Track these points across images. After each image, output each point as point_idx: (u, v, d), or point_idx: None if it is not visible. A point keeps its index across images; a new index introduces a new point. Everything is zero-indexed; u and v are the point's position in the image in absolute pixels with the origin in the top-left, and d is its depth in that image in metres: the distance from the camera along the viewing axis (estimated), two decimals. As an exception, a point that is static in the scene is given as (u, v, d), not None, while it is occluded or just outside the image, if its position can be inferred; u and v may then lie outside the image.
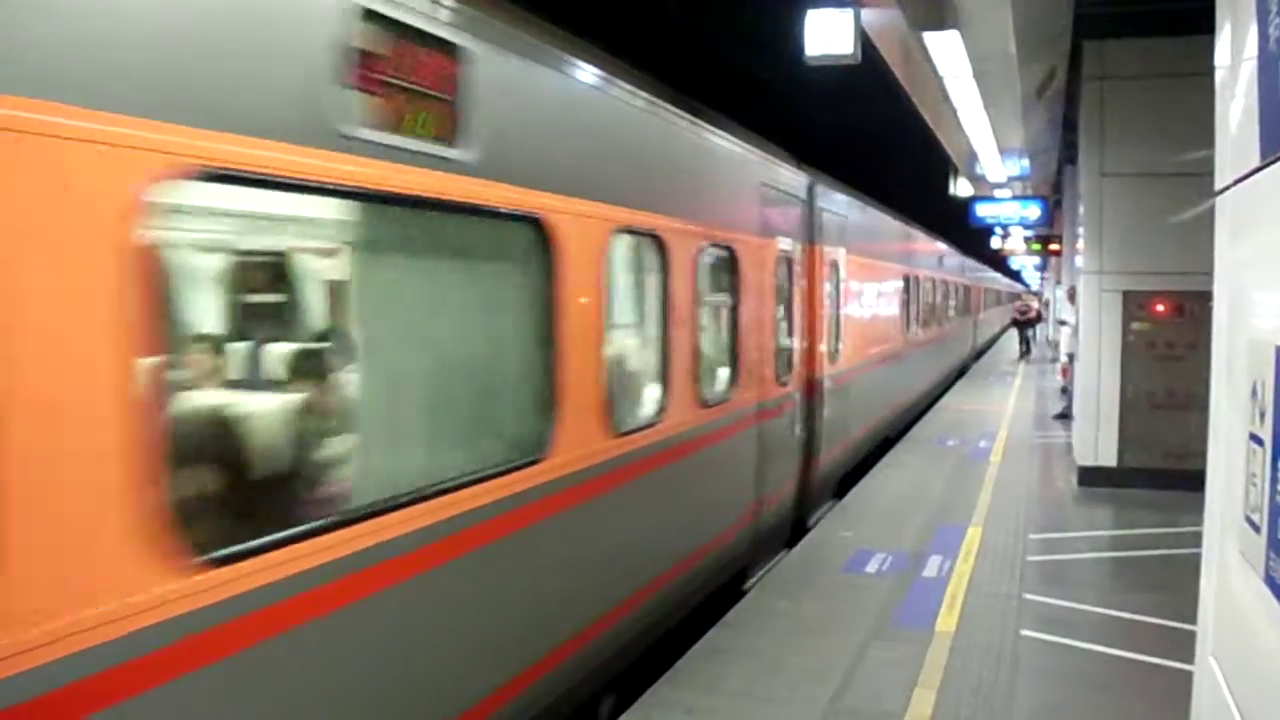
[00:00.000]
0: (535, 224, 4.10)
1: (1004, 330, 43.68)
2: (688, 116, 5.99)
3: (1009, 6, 7.41)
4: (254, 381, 4.62)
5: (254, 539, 2.76)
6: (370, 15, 3.12)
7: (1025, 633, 6.06)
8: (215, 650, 2.60)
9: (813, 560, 7.67)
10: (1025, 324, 30.56)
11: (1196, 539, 2.91)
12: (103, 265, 2.30)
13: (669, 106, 5.70)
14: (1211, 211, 2.79)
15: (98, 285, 2.29)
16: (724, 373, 6.68)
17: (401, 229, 3.72)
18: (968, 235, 24.88)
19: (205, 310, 4.79)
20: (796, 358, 8.34)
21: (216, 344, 4.45)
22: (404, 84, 3.29)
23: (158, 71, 2.45)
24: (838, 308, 9.69)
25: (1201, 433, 2.84)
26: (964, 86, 10.07)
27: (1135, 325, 10.13)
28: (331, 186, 3.07)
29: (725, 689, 5.23)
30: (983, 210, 19.58)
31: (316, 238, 4.86)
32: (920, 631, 6.06)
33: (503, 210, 3.91)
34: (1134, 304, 10.12)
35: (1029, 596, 6.75)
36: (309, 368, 4.21)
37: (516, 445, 4.17)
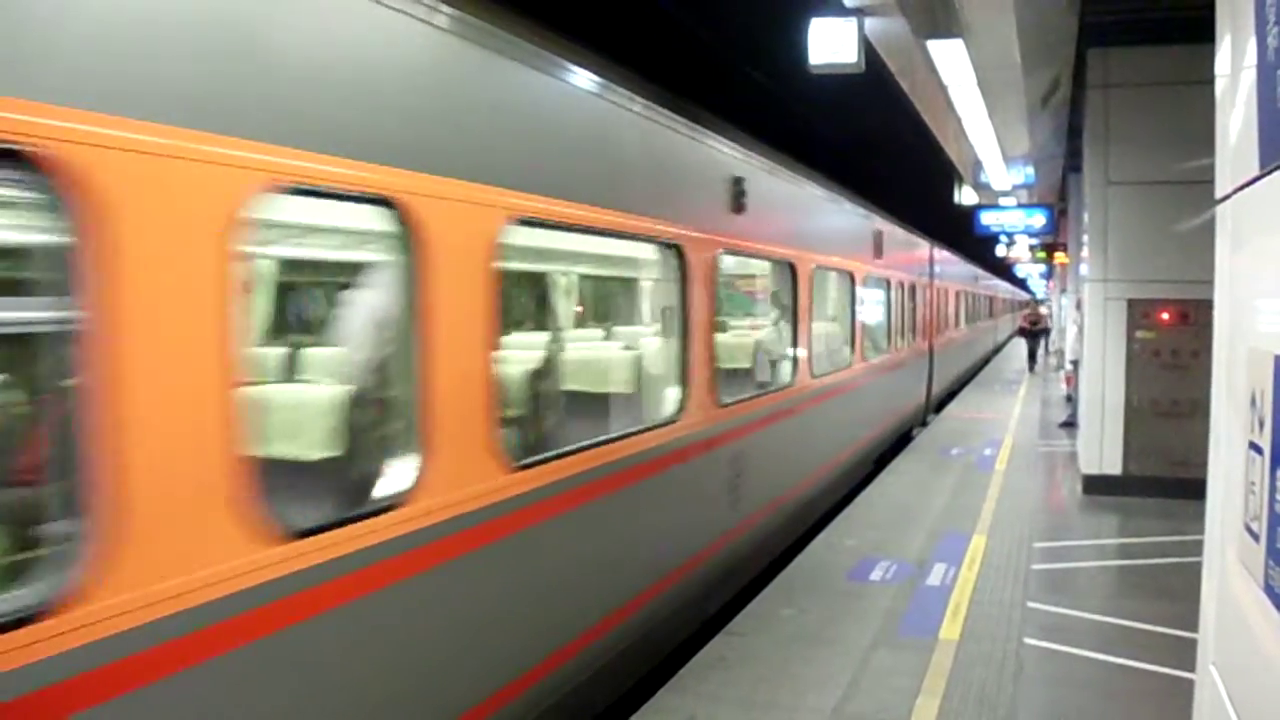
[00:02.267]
0: None
1: (997, 351, 36.00)
2: None
3: (1013, 15, 7.42)
4: None
5: None
6: None
7: (1029, 641, 6.04)
8: None
9: (816, 568, 7.66)
10: (1034, 334, 28.28)
11: (1201, 547, 2.91)
12: None
13: None
14: (1215, 219, 2.79)
15: None
16: None
17: None
18: (973, 243, 24.80)
19: None
20: None
21: None
22: None
23: None
24: None
25: (1206, 441, 2.85)
26: (968, 95, 10.08)
27: (1140, 333, 10.12)
28: None
29: (728, 696, 5.23)
30: (988, 219, 19.58)
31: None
32: (924, 639, 6.05)
33: None
34: (1139, 312, 10.11)
35: (1033, 605, 6.73)
36: None
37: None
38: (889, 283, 13.01)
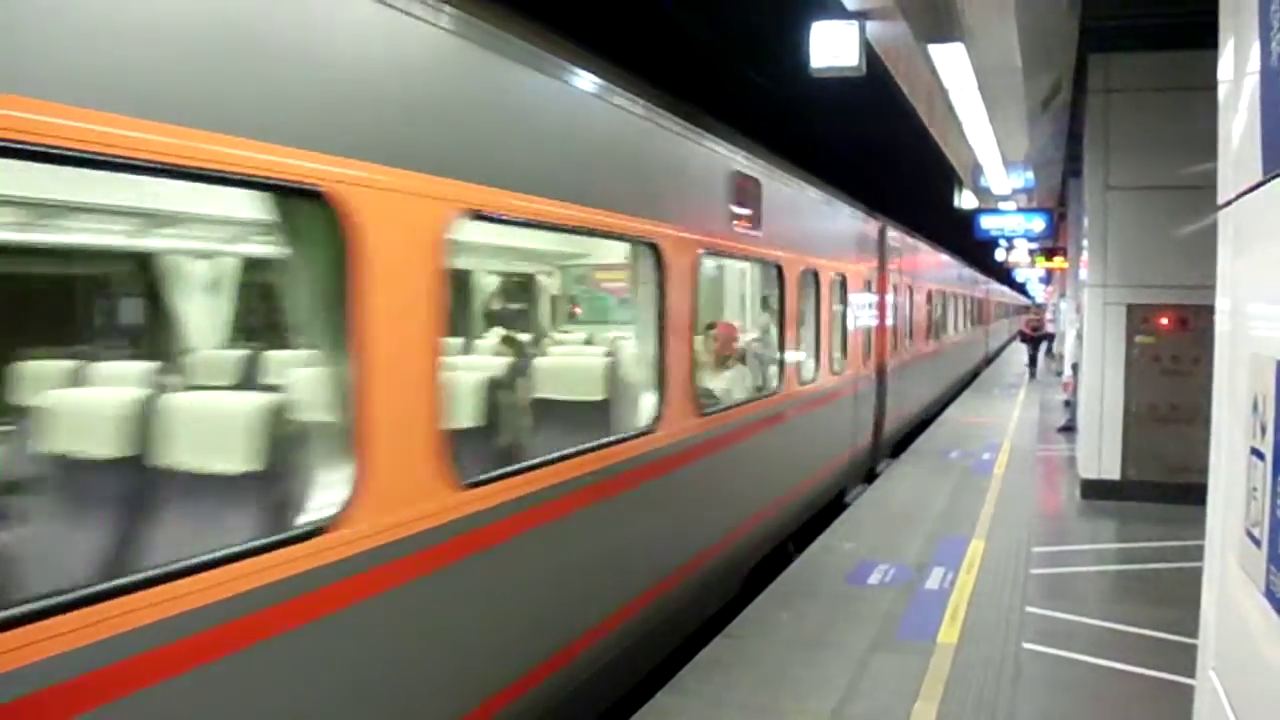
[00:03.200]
0: None
1: (988, 362, 31.67)
2: None
3: (1014, 19, 7.44)
4: None
5: None
6: None
7: (1027, 645, 6.04)
8: None
9: (815, 571, 7.66)
10: (1036, 340, 27.67)
11: (1200, 553, 2.90)
12: None
13: None
14: (1216, 225, 2.79)
15: None
16: None
17: None
18: (973, 247, 24.81)
19: None
20: None
21: None
22: None
23: None
24: None
25: (1205, 447, 2.84)
26: (969, 99, 10.10)
27: (1139, 339, 10.12)
28: None
29: (727, 700, 5.22)
30: (987, 222, 19.65)
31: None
32: (922, 644, 6.05)
33: None
34: (1138, 317, 10.11)
35: (1031, 609, 6.73)
36: None
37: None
38: (780, 272, 8.08)
